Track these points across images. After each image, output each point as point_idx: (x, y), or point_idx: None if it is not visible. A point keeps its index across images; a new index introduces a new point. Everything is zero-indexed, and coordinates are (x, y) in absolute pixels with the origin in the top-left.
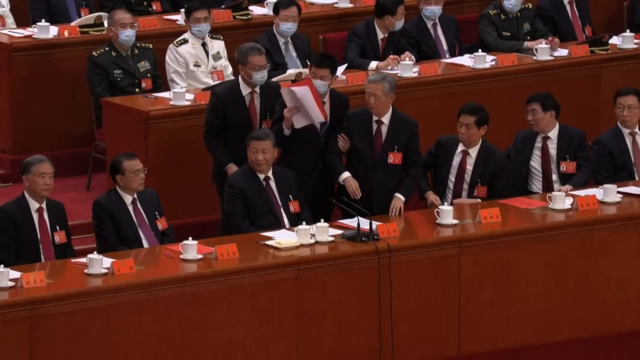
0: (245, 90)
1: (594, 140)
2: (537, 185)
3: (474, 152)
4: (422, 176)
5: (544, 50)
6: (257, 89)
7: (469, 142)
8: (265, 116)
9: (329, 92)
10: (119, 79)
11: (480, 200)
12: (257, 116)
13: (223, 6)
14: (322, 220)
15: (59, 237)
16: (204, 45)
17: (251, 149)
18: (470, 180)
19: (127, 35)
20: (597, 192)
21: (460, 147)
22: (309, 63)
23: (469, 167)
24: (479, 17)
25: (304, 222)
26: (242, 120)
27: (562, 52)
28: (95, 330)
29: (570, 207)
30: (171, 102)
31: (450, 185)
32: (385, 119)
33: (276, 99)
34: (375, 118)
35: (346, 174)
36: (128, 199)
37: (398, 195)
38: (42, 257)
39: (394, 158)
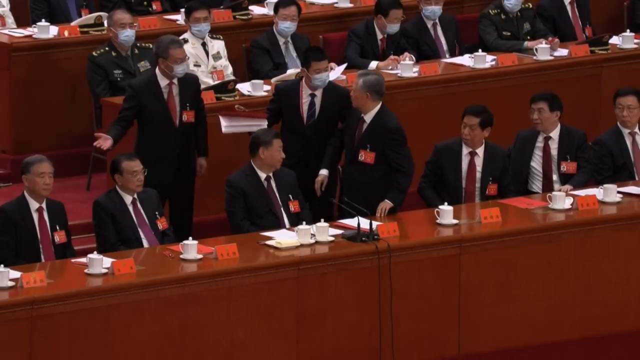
0: (163, 81)
1: (594, 140)
2: (537, 185)
3: (480, 151)
4: (408, 182)
5: (544, 50)
6: (175, 80)
7: (473, 144)
8: (185, 107)
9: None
10: (119, 79)
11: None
12: (176, 107)
13: (223, 6)
14: (322, 220)
15: (59, 237)
16: (204, 45)
17: (277, 148)
18: (482, 179)
19: (127, 35)
20: (597, 192)
21: (467, 149)
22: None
23: (479, 167)
24: (479, 17)
25: (304, 222)
26: (160, 112)
27: (562, 52)
28: (95, 330)
29: (570, 207)
30: None
31: (462, 187)
32: (368, 117)
33: (195, 88)
34: (361, 114)
35: (323, 171)
36: (128, 199)
37: (386, 199)
38: (42, 257)
39: (365, 156)
